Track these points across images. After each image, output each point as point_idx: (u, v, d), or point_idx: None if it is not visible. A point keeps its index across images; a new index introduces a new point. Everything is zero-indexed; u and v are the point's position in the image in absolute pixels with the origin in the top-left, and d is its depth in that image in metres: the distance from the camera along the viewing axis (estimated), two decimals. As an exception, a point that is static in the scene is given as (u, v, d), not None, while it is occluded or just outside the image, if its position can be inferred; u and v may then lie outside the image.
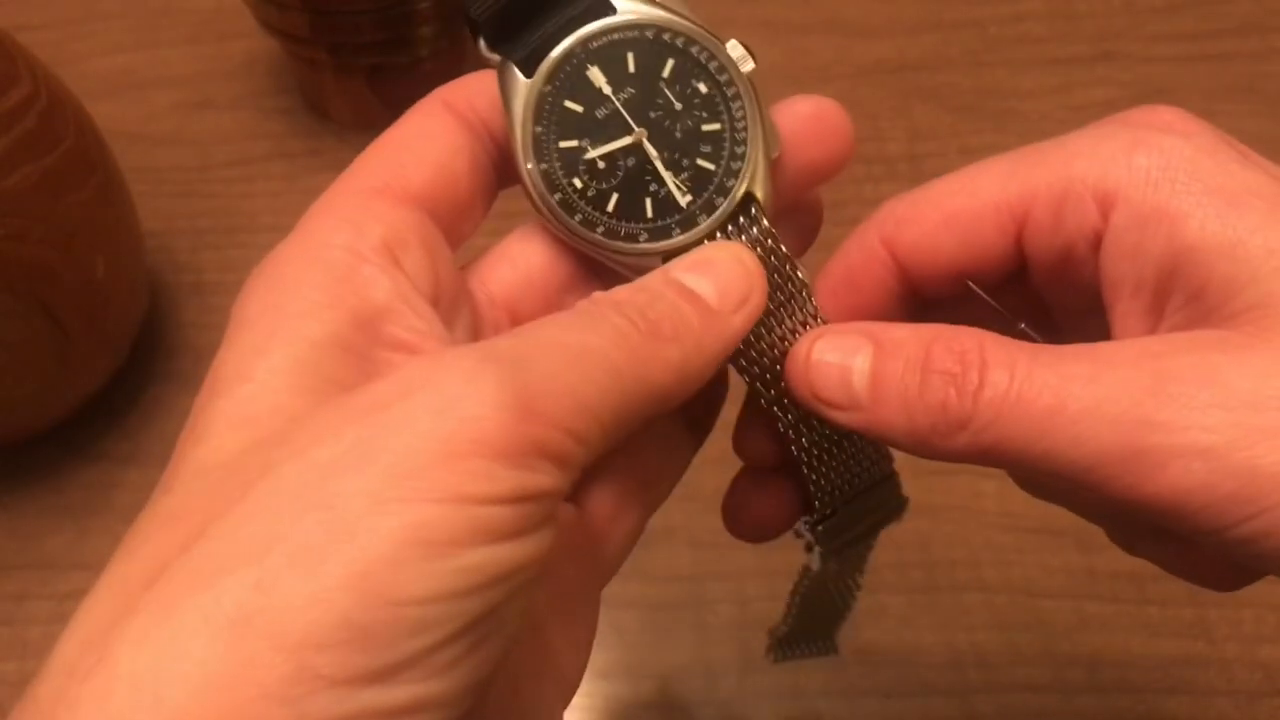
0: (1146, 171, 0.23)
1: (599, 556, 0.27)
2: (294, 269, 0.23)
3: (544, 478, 0.20)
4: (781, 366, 0.26)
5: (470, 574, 0.18)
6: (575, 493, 0.26)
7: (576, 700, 0.46)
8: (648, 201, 0.25)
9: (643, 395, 0.22)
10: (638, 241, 0.25)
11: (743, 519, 0.29)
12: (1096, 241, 0.24)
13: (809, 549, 0.28)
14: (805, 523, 0.28)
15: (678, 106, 0.25)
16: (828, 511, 0.27)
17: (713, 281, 0.24)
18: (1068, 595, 0.47)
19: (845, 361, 0.24)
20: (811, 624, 0.29)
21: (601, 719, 0.45)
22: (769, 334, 0.26)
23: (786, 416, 0.26)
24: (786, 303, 0.26)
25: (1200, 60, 0.62)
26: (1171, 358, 0.21)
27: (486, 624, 0.19)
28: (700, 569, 0.47)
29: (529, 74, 0.25)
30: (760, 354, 0.26)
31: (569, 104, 0.25)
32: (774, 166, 0.26)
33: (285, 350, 0.22)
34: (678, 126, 0.25)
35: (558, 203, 0.25)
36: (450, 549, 0.18)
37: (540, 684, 0.25)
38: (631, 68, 0.25)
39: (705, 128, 0.25)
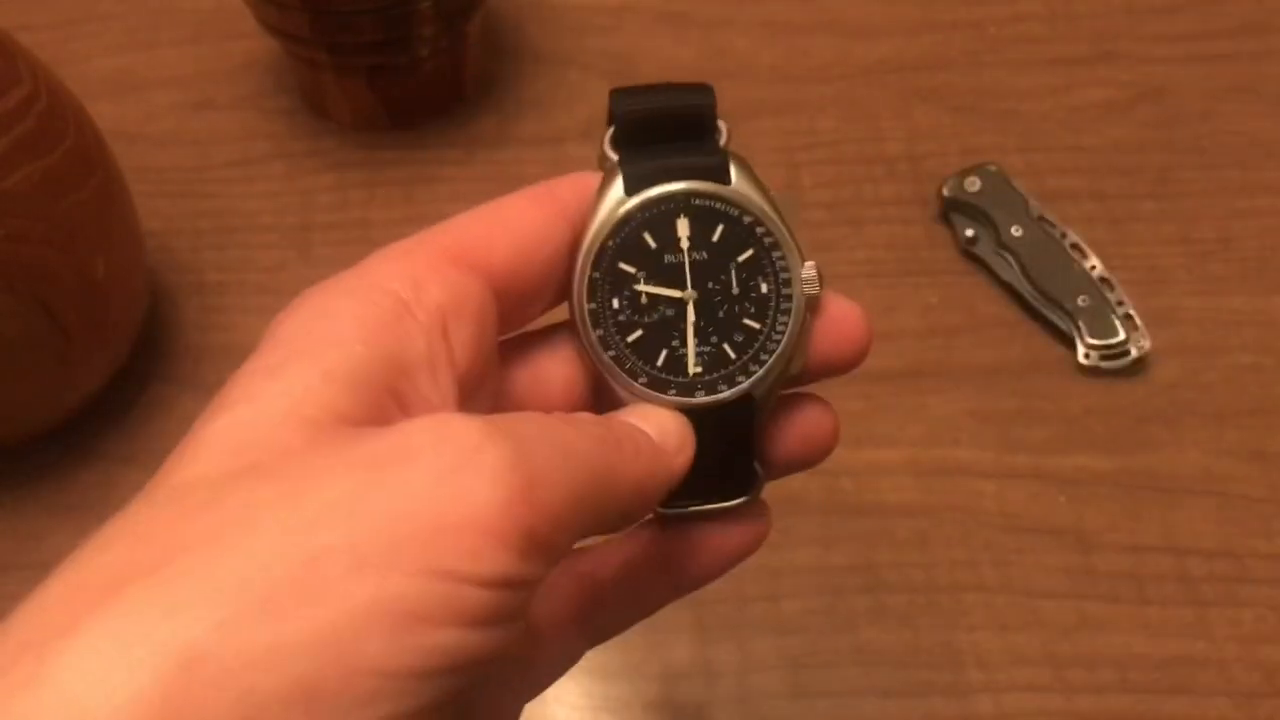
0: None
1: (542, 663, 0.28)
2: (338, 302, 0.23)
3: (530, 566, 0.19)
4: None
5: (436, 655, 0.18)
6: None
7: (577, 700, 0.46)
8: (664, 353, 0.26)
9: (609, 504, 0.22)
10: (636, 380, 0.26)
11: None
12: None
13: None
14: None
15: (735, 291, 0.26)
16: None
17: (653, 427, 0.25)
18: (1068, 595, 0.47)
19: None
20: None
21: (601, 719, 0.45)
22: None
23: None
24: None
25: (1200, 60, 0.62)
26: None
27: (438, 710, 0.19)
28: (700, 569, 0.47)
29: (629, 192, 0.26)
30: None
31: (646, 236, 0.26)
32: (793, 376, 0.27)
33: (299, 377, 0.21)
34: (725, 307, 0.26)
35: (589, 311, 0.26)
36: (422, 626, 0.18)
37: None
38: (715, 237, 0.26)
39: (747, 321, 0.26)
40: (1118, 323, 0.52)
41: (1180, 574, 0.47)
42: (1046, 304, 0.53)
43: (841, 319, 0.27)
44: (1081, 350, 0.52)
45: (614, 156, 0.26)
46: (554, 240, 0.25)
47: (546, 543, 0.20)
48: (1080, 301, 0.52)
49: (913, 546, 0.48)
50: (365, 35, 0.53)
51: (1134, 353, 0.52)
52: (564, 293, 0.27)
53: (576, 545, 0.23)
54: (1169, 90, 0.61)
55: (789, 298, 0.26)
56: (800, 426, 0.28)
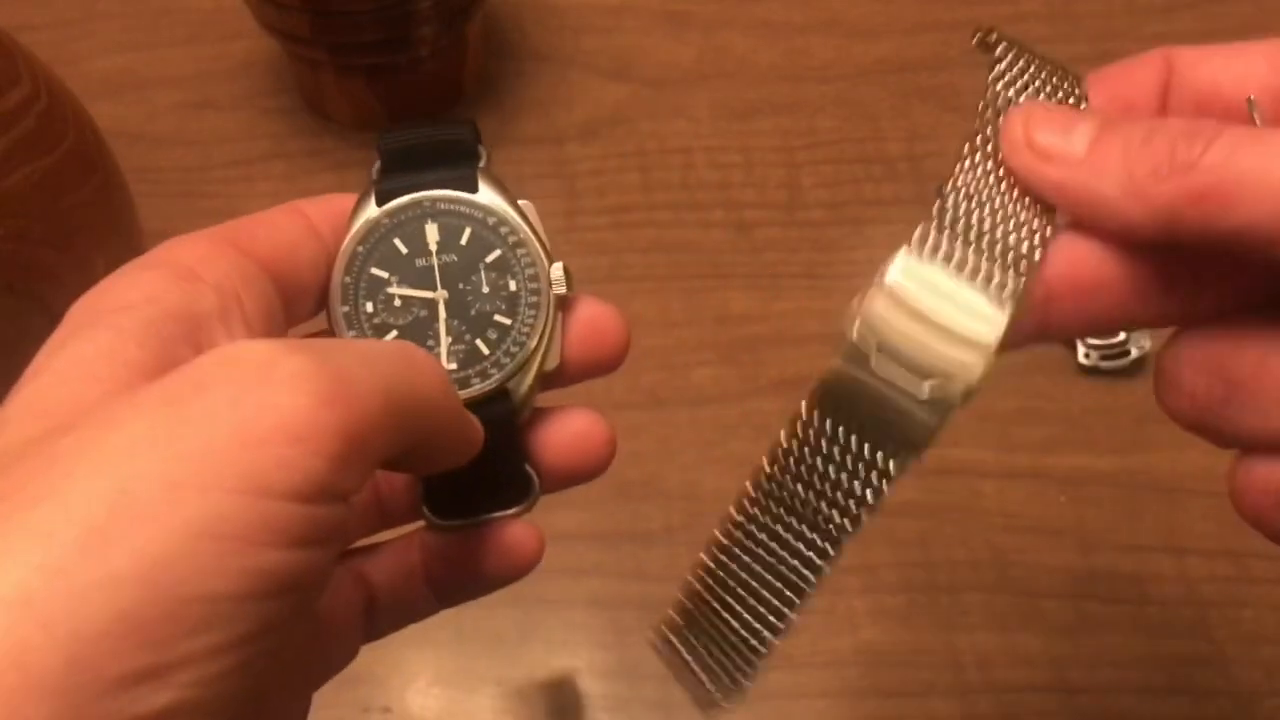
0: None
1: (322, 654, 0.28)
2: (123, 278, 0.23)
3: (347, 472, 0.19)
4: None
5: (261, 576, 0.18)
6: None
7: (577, 701, 0.46)
8: None
9: (416, 410, 0.22)
10: None
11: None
12: None
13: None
14: None
15: (484, 290, 0.28)
16: None
17: None
18: (1068, 595, 0.47)
19: (1073, 117, 0.24)
20: (708, 636, 0.27)
21: (601, 719, 0.45)
22: None
23: None
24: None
25: (1200, 60, 0.62)
26: None
27: (265, 638, 0.19)
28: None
29: (380, 204, 0.27)
30: None
31: (397, 241, 0.27)
32: (548, 372, 0.28)
33: (91, 340, 0.21)
34: (475, 306, 0.27)
35: (343, 315, 0.27)
36: (246, 547, 0.18)
37: None
38: (463, 240, 0.28)
39: (497, 318, 0.28)
40: (1118, 323, 0.52)
41: (1180, 574, 0.47)
42: (1046, 304, 0.53)
43: (597, 319, 0.28)
44: (1081, 350, 0.52)
45: (376, 180, 0.28)
46: (306, 246, 0.27)
47: (362, 445, 0.19)
48: (1080, 301, 0.52)
49: (913, 546, 0.48)
50: (365, 35, 0.53)
51: (1134, 353, 0.52)
52: (322, 304, 0.28)
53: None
54: (1169, 90, 0.61)
55: (537, 293, 0.28)
56: (570, 433, 0.28)
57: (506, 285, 0.28)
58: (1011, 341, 0.23)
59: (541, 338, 0.27)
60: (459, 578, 0.29)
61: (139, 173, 0.51)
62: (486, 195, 0.28)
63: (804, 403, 0.23)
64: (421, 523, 0.29)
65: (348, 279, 0.27)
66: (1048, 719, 0.45)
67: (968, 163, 0.24)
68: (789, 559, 0.25)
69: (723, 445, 0.50)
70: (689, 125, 0.60)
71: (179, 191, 0.58)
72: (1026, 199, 0.23)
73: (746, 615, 0.26)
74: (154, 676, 0.17)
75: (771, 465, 0.24)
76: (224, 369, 0.19)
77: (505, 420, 0.27)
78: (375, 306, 0.27)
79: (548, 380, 0.28)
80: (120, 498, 0.17)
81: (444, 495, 0.28)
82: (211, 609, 0.18)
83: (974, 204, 0.23)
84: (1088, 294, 0.23)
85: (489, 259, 0.28)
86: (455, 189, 0.28)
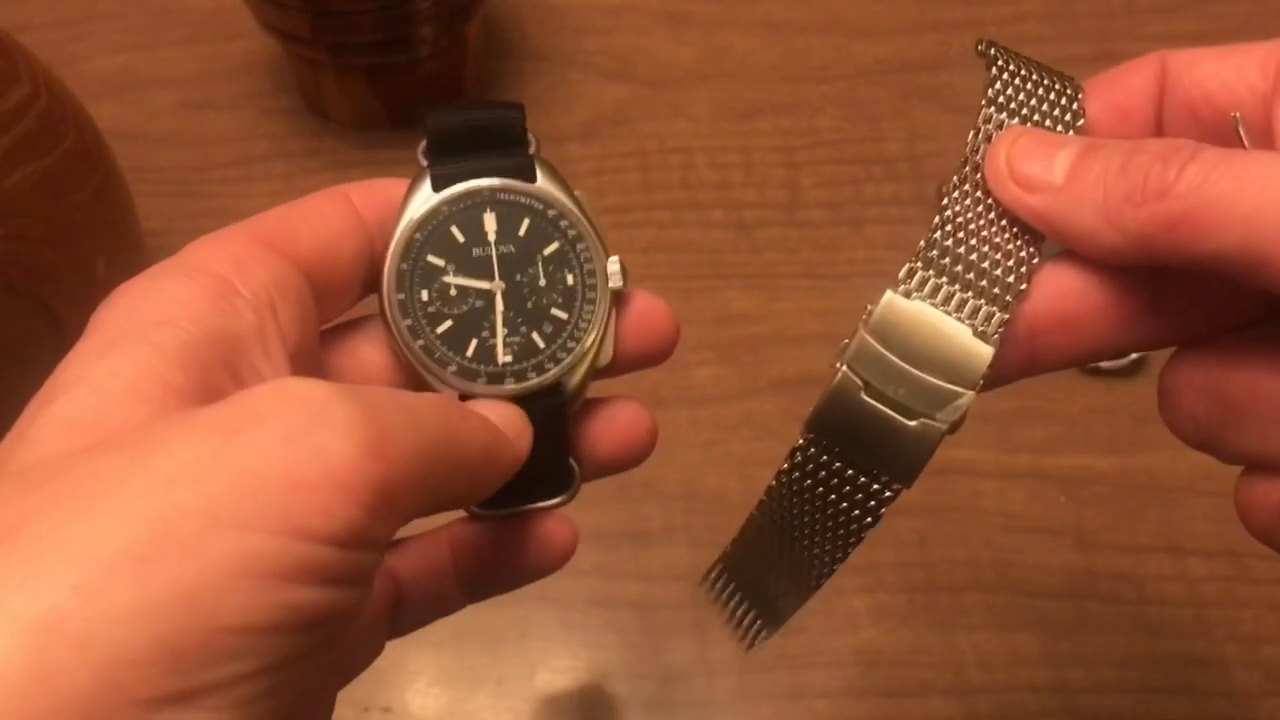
0: None
1: (350, 652, 0.28)
2: (161, 284, 0.22)
3: (380, 524, 0.19)
4: None
5: (294, 612, 0.18)
6: None
7: (577, 700, 0.46)
8: (473, 342, 0.27)
9: (458, 468, 0.22)
10: (445, 369, 0.27)
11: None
12: None
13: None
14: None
15: (542, 283, 0.27)
16: None
17: (495, 415, 0.26)
18: (1068, 595, 0.47)
19: (1053, 145, 0.24)
20: (765, 567, 0.28)
21: (601, 718, 0.45)
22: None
23: None
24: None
25: (1200, 60, 0.62)
26: None
27: (294, 666, 0.19)
28: (700, 569, 0.47)
29: (437, 190, 0.27)
30: None
31: (454, 230, 0.27)
32: (600, 367, 0.28)
33: (131, 355, 0.21)
34: (533, 299, 0.27)
35: (398, 302, 0.27)
36: (279, 583, 0.18)
37: None
38: (522, 231, 0.27)
39: (554, 311, 0.27)
40: (1118, 323, 0.52)
41: (1180, 574, 0.47)
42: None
43: (648, 312, 0.28)
44: (1081, 350, 0.52)
45: (424, 162, 0.27)
46: (352, 237, 0.26)
47: (398, 501, 0.20)
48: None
49: (913, 546, 0.48)
50: (365, 35, 0.53)
51: (1134, 353, 0.52)
52: (369, 289, 0.27)
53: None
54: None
55: (594, 288, 0.27)
56: (616, 425, 0.29)
57: (564, 279, 0.27)
58: (999, 377, 0.24)
59: (597, 333, 0.27)
60: (490, 572, 0.29)
61: (139, 173, 0.51)
62: (545, 185, 0.27)
63: (801, 434, 0.24)
64: (452, 517, 0.28)
65: (404, 265, 0.27)
66: (1048, 719, 0.45)
67: (956, 194, 0.24)
68: (806, 551, 0.26)
69: (723, 445, 0.50)
70: (689, 125, 0.60)
71: (179, 191, 0.58)
72: (1016, 228, 0.24)
73: (774, 587, 0.27)
74: (184, 700, 0.17)
75: (778, 483, 0.25)
76: (280, 405, 0.19)
77: (556, 414, 0.27)
78: (430, 295, 0.27)
79: (599, 373, 0.28)
80: (161, 526, 0.17)
81: None
82: (244, 640, 0.18)
83: (962, 237, 0.24)
84: (1072, 326, 0.24)
85: (547, 251, 0.27)
86: (513, 178, 0.27)
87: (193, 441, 0.19)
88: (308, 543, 0.18)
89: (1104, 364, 0.52)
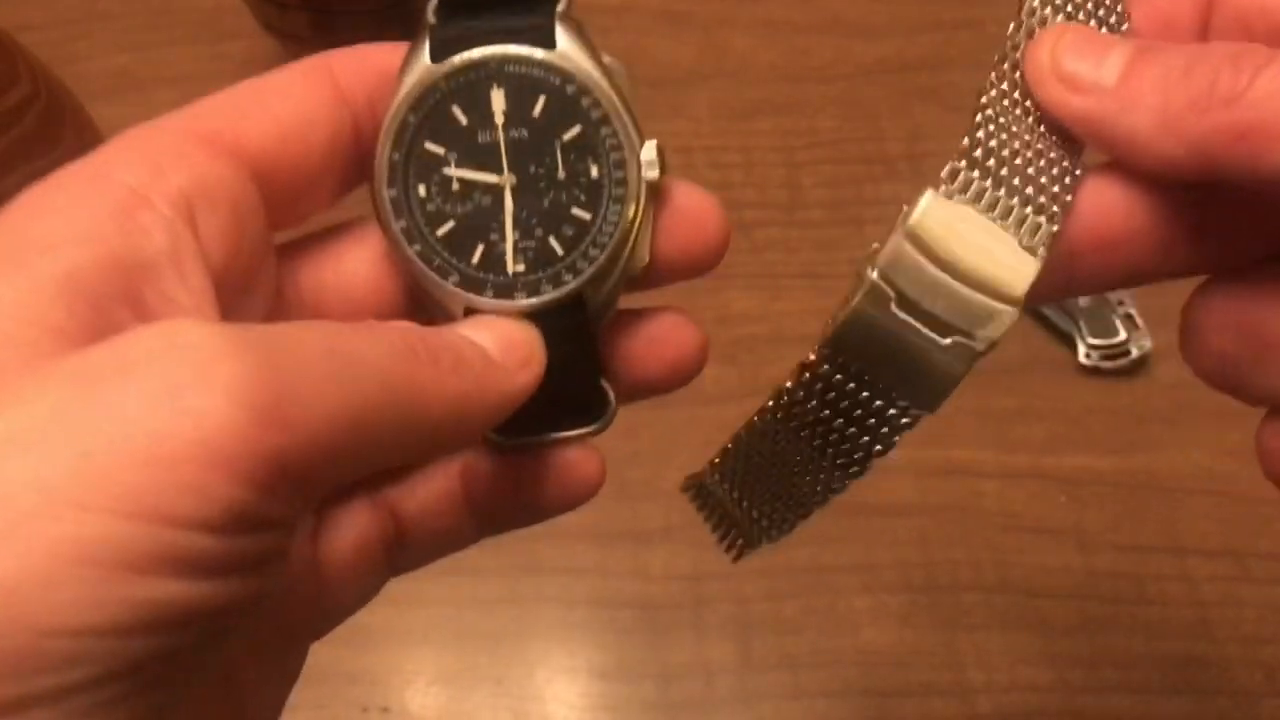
0: None
1: (323, 605, 0.24)
2: (57, 197, 0.19)
3: (277, 504, 0.16)
4: None
5: (150, 607, 0.15)
6: (315, 524, 0.23)
7: (575, 700, 0.46)
8: (479, 247, 0.23)
9: (413, 423, 0.19)
10: (446, 278, 0.23)
11: None
12: None
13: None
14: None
15: (560, 175, 0.23)
16: None
17: (494, 337, 0.22)
18: (1068, 595, 0.47)
19: (1104, 43, 0.21)
20: (758, 480, 0.25)
21: (601, 718, 0.45)
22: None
23: None
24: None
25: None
26: None
27: (158, 668, 0.16)
28: (700, 569, 0.47)
29: (436, 59, 0.23)
30: None
31: (456, 110, 0.23)
32: (634, 275, 0.24)
33: (3, 289, 0.17)
34: (550, 195, 0.23)
35: (391, 199, 0.23)
36: (131, 574, 0.15)
37: None
38: (537, 112, 0.23)
39: (575, 211, 0.23)
40: (1118, 322, 0.52)
41: (1181, 574, 0.47)
42: (1047, 303, 0.53)
43: (691, 209, 0.24)
44: (1082, 350, 0.52)
45: (432, 21, 0.23)
46: (327, 123, 0.22)
47: (303, 474, 0.16)
48: (1080, 301, 0.52)
49: (913, 546, 0.48)
50: (365, 36, 0.53)
51: (1134, 353, 0.52)
52: (355, 180, 0.23)
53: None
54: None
55: (623, 182, 0.23)
56: (654, 339, 0.25)
57: (588, 170, 0.23)
58: (1040, 295, 0.21)
59: (627, 237, 0.23)
60: (508, 504, 0.25)
61: (139, 172, 0.51)
62: (566, 52, 0.22)
63: (814, 350, 0.22)
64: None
65: (396, 155, 0.23)
66: (1048, 719, 0.45)
67: (994, 92, 0.22)
68: (799, 479, 0.24)
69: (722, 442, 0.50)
70: (689, 125, 0.60)
71: (179, 191, 0.58)
72: (1056, 135, 0.22)
73: (770, 497, 0.25)
74: (14, 711, 0.15)
75: (776, 404, 0.23)
76: (157, 355, 0.16)
77: (580, 331, 0.23)
78: (429, 190, 0.23)
79: (632, 282, 0.24)
80: None
81: None
82: (81, 644, 0.15)
83: (1005, 139, 0.21)
84: (1114, 248, 0.21)
85: (567, 137, 0.23)
86: (528, 43, 0.22)
87: (42, 399, 0.16)
88: (169, 528, 0.15)
89: (1104, 364, 0.52)
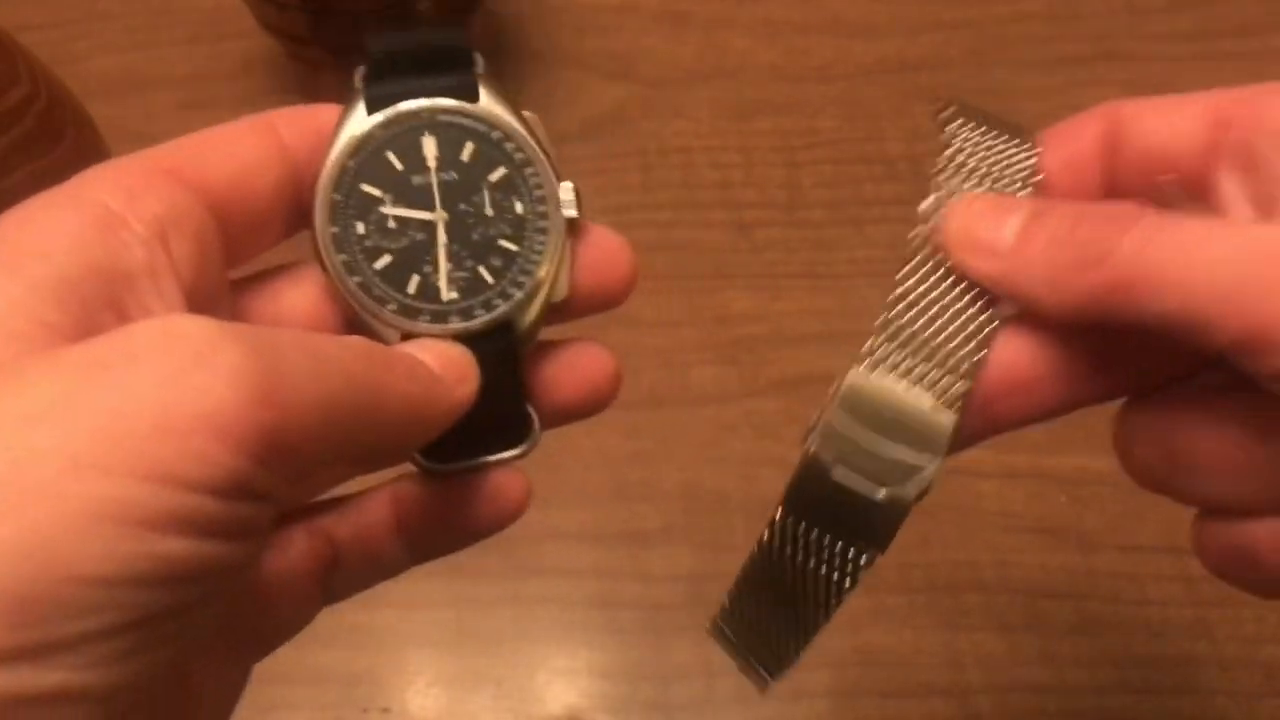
0: None
1: (270, 619, 0.26)
2: (43, 214, 0.21)
3: (269, 475, 0.18)
4: None
5: (162, 563, 0.17)
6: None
7: (577, 701, 0.46)
8: (414, 279, 0.25)
9: (374, 417, 0.21)
10: (384, 307, 0.25)
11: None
12: None
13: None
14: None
15: (489, 212, 0.25)
16: None
17: (434, 356, 0.24)
18: (1068, 595, 0.47)
19: (1005, 209, 0.24)
20: (761, 617, 0.28)
21: (601, 719, 0.45)
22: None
23: None
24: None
25: (1200, 60, 0.62)
26: None
27: (167, 622, 0.18)
28: (700, 569, 0.47)
29: (371, 112, 0.25)
30: None
31: (391, 156, 0.25)
32: (555, 305, 0.26)
33: (2, 289, 0.19)
34: (479, 230, 0.25)
35: (332, 237, 0.25)
36: (146, 531, 0.17)
37: None
38: (465, 156, 0.25)
39: (502, 243, 0.25)
40: (1118, 323, 0.52)
41: (1180, 574, 0.47)
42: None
43: (605, 247, 0.26)
44: (1081, 350, 0.52)
45: (359, 86, 0.25)
46: (271, 169, 0.24)
47: (291, 451, 0.18)
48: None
49: (913, 546, 0.48)
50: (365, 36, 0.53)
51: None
52: (295, 226, 0.25)
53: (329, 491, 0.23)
54: (1169, 90, 0.61)
55: (545, 216, 0.25)
56: (575, 367, 0.27)
57: (513, 207, 0.25)
58: (965, 440, 0.25)
59: (550, 266, 0.25)
60: (438, 530, 0.27)
61: (139, 173, 0.51)
62: (489, 105, 0.25)
63: (778, 506, 0.25)
64: (396, 473, 0.27)
65: (337, 196, 0.25)
66: (1047, 719, 0.45)
67: (913, 263, 0.25)
68: (794, 610, 0.27)
69: (723, 445, 0.50)
70: (689, 125, 0.60)
71: (179, 191, 0.58)
72: (975, 291, 0.24)
73: (775, 631, 0.28)
74: (38, 656, 0.16)
75: (759, 550, 0.26)
76: (160, 342, 0.18)
77: (507, 355, 0.25)
78: (367, 228, 0.25)
79: (553, 313, 0.26)
80: (13, 469, 0.16)
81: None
82: (103, 592, 0.17)
83: (918, 311, 0.24)
84: (1025, 391, 0.24)
85: (493, 178, 0.25)
86: (454, 97, 0.25)
87: (58, 379, 0.17)
88: (180, 490, 0.17)
89: (1104, 364, 0.52)
